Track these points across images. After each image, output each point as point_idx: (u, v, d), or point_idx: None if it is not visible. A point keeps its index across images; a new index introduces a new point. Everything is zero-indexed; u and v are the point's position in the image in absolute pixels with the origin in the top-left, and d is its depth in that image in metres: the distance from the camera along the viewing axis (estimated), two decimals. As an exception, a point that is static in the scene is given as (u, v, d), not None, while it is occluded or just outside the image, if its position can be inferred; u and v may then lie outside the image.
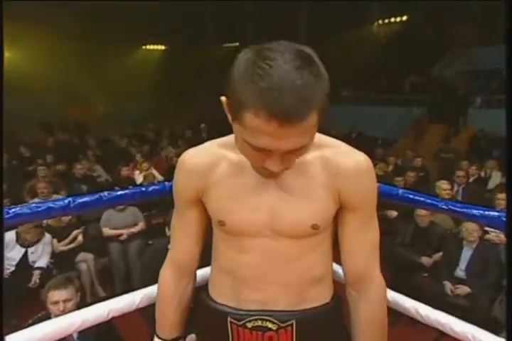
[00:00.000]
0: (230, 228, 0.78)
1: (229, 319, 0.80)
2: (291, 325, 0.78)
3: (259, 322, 0.78)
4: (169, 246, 0.91)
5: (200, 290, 0.91)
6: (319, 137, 0.78)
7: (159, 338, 0.90)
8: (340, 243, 0.83)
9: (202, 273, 1.00)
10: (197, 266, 0.90)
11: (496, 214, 0.82)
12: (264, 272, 0.79)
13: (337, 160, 0.75)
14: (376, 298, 0.82)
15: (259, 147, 0.62)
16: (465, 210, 0.86)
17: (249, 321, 0.79)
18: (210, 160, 0.79)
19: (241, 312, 0.80)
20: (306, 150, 0.67)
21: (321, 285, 0.83)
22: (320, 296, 0.82)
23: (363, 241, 0.81)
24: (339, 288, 0.91)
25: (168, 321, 0.89)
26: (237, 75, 0.60)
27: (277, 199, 0.76)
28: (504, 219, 0.81)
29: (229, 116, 0.66)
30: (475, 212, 0.84)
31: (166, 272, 0.90)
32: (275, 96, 0.56)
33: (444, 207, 0.91)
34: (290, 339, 0.78)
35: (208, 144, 0.83)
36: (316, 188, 0.76)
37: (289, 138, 0.60)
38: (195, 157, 0.81)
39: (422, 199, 0.96)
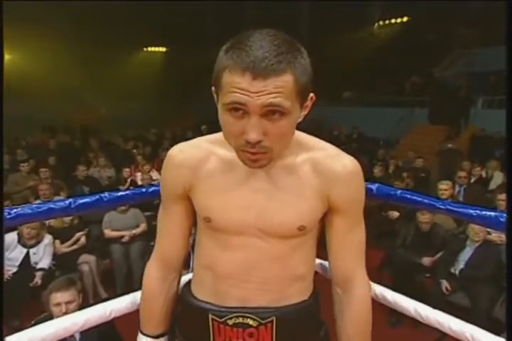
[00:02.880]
0: (216, 225, 0.79)
1: (210, 316, 0.81)
2: (272, 321, 0.80)
3: (240, 319, 0.80)
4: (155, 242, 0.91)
5: (182, 287, 0.92)
6: (309, 139, 0.79)
7: (144, 334, 0.90)
8: (327, 243, 0.85)
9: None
10: (183, 261, 0.91)
11: (492, 214, 0.82)
12: (246, 270, 0.80)
13: (327, 163, 0.76)
14: (361, 298, 0.84)
15: (236, 102, 0.63)
16: (462, 210, 0.87)
17: (230, 318, 0.80)
18: (199, 155, 0.79)
19: (222, 310, 0.81)
20: (287, 130, 0.67)
21: (302, 283, 0.85)
22: (300, 293, 0.84)
23: (350, 242, 0.82)
24: (321, 284, 0.93)
25: (154, 317, 0.89)
26: (219, 54, 0.66)
27: (266, 198, 0.76)
28: (501, 219, 0.82)
29: (216, 102, 0.69)
30: (472, 212, 0.85)
31: (151, 268, 0.90)
32: (247, 51, 0.61)
33: (441, 207, 0.91)
34: (270, 336, 0.80)
35: (197, 139, 0.84)
36: (305, 190, 0.76)
37: (261, 92, 0.61)
38: (184, 151, 0.81)
39: (419, 199, 0.97)
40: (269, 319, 0.80)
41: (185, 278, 0.95)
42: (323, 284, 0.95)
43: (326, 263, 1.06)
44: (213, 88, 0.68)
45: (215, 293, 0.83)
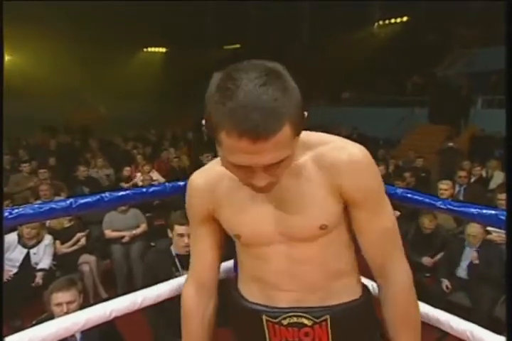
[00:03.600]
0: (246, 240, 0.82)
1: (264, 317, 0.82)
2: (326, 320, 0.80)
3: (295, 319, 0.81)
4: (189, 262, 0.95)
5: (231, 289, 0.93)
6: (312, 136, 0.79)
7: None
8: (357, 239, 0.83)
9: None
10: (216, 278, 0.93)
11: (493, 212, 0.82)
12: (286, 276, 0.81)
13: (331, 156, 0.75)
14: (400, 285, 0.81)
15: (239, 164, 0.64)
16: (463, 209, 0.87)
17: (285, 318, 0.81)
18: (213, 178, 0.83)
19: (275, 310, 0.82)
20: (290, 163, 0.68)
21: (346, 279, 0.84)
22: (349, 290, 0.84)
23: (377, 231, 0.79)
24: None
25: (193, 335, 0.92)
26: (208, 98, 0.62)
27: (281, 206, 0.78)
28: (502, 217, 0.82)
29: (208, 134, 0.70)
30: (473, 210, 0.85)
31: (188, 288, 0.93)
32: (241, 114, 0.57)
33: (442, 206, 0.92)
34: (326, 334, 0.81)
35: (210, 164, 0.87)
36: (315, 189, 0.76)
37: (263, 153, 0.60)
38: (201, 177, 0.85)
39: (420, 198, 0.97)
40: (323, 317, 0.80)
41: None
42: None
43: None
44: (204, 123, 0.66)
45: (265, 297, 0.84)
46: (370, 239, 0.80)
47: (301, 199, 0.77)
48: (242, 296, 0.88)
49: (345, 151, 0.74)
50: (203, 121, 0.66)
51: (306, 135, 0.76)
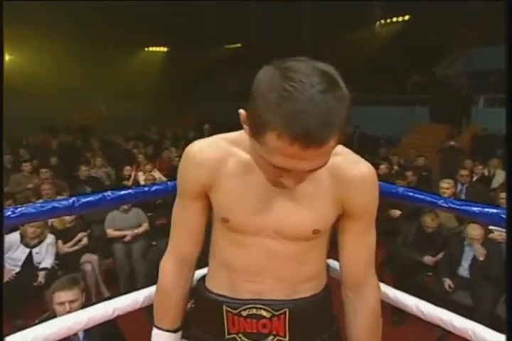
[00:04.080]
0: (233, 226, 0.81)
1: (224, 307, 0.83)
2: (284, 313, 0.82)
3: (254, 311, 0.82)
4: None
5: (197, 281, 0.94)
6: None
7: (160, 329, 0.91)
8: (339, 247, 0.86)
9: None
10: (198, 256, 0.92)
11: (494, 211, 0.82)
12: (260, 267, 0.82)
13: (344, 168, 0.77)
14: (373, 301, 0.86)
15: (281, 167, 0.63)
16: (464, 208, 0.87)
17: (244, 309, 0.82)
18: (218, 155, 0.79)
19: (236, 301, 0.83)
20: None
21: (315, 280, 0.87)
22: (313, 288, 0.86)
23: (362, 247, 0.84)
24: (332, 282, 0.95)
25: (171, 312, 0.91)
26: (260, 94, 0.60)
27: (282, 201, 0.78)
28: (503, 216, 0.82)
29: (246, 130, 0.66)
30: (474, 209, 0.85)
31: (167, 263, 0.91)
32: (300, 119, 0.56)
33: (443, 204, 0.91)
34: (283, 327, 0.82)
35: (216, 138, 0.83)
36: (322, 194, 0.78)
37: (310, 159, 0.61)
38: (204, 151, 0.80)
39: (421, 197, 0.97)
40: (282, 310, 0.82)
41: (198, 273, 0.97)
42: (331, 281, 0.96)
43: (333, 262, 1.08)
44: (248, 131, 0.65)
45: (230, 287, 0.85)
46: (353, 253, 0.84)
47: (304, 201, 0.77)
48: (205, 288, 0.89)
49: (356, 167, 0.78)
50: (242, 112, 0.65)
51: None
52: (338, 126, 0.59)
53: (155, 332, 0.91)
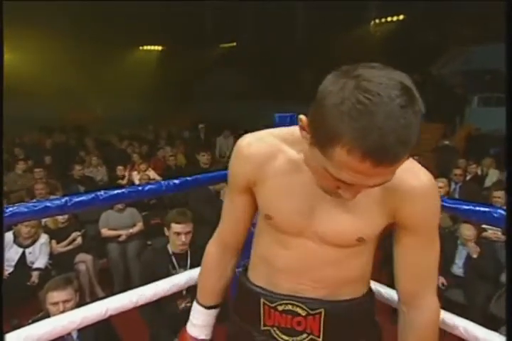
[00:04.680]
0: (275, 224, 0.80)
1: (262, 300, 0.85)
2: (320, 312, 0.81)
3: (290, 307, 0.82)
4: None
5: (240, 271, 0.96)
6: None
7: (199, 304, 0.96)
8: (395, 260, 0.82)
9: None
10: (242, 246, 0.95)
11: (486, 209, 0.83)
12: (300, 268, 0.82)
13: (400, 177, 0.69)
14: (427, 319, 0.81)
15: (346, 182, 0.60)
16: (456, 206, 0.88)
17: (281, 304, 0.83)
18: (267, 151, 0.78)
19: (274, 296, 0.84)
20: None
21: (356, 285, 0.85)
22: (353, 293, 0.85)
23: (420, 263, 0.79)
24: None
25: (208, 290, 0.96)
26: (330, 104, 0.56)
27: (328, 206, 0.75)
28: (495, 215, 0.83)
29: (306, 138, 0.63)
30: (465, 207, 0.85)
31: (211, 246, 0.95)
32: (375, 136, 0.53)
33: (436, 203, 0.92)
34: (317, 326, 0.81)
35: (266, 133, 0.81)
36: (370, 202, 0.74)
37: (377, 176, 0.58)
38: (253, 145, 0.79)
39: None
40: (318, 310, 0.81)
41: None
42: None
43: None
44: (308, 138, 0.62)
45: (269, 281, 0.86)
46: (410, 268, 0.80)
47: (353, 208, 0.74)
48: (247, 278, 0.91)
49: (412, 175, 0.72)
50: (301, 117, 0.62)
51: None
52: (413, 143, 0.55)
53: (194, 304, 0.97)
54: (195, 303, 0.97)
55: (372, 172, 0.56)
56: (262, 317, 0.85)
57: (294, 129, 0.73)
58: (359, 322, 0.85)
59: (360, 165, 0.55)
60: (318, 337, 0.82)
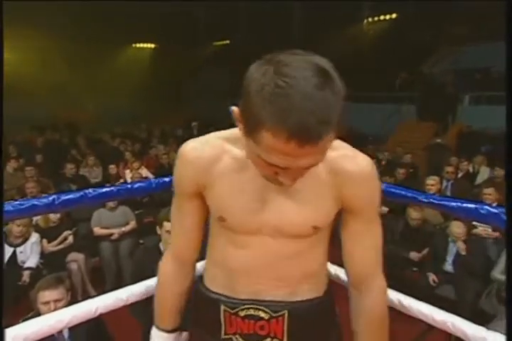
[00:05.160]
0: (230, 224, 0.79)
1: (222, 307, 0.82)
2: (283, 315, 0.80)
3: (252, 311, 0.80)
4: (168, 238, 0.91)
5: (196, 280, 0.93)
6: None
7: (159, 329, 0.90)
8: (343, 244, 0.84)
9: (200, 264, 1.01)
10: (197, 257, 0.91)
11: (473, 206, 0.84)
12: (259, 267, 0.80)
13: (342, 163, 0.75)
14: (378, 299, 0.83)
15: (277, 165, 0.62)
16: (443, 203, 0.88)
17: (242, 310, 0.81)
18: (212, 153, 0.78)
19: (234, 301, 0.82)
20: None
21: (315, 280, 0.85)
22: (313, 290, 0.84)
23: (366, 243, 0.81)
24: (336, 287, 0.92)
25: (168, 312, 0.90)
26: (253, 91, 0.57)
27: (280, 198, 0.76)
28: (481, 211, 0.83)
29: (240, 128, 0.64)
30: (453, 204, 0.86)
31: (166, 264, 0.90)
32: (296, 117, 0.54)
33: (424, 200, 0.93)
34: (281, 329, 0.80)
35: (209, 136, 0.81)
36: (320, 190, 0.76)
37: (306, 156, 0.59)
38: (197, 149, 0.79)
39: (403, 193, 0.98)
40: (281, 312, 0.80)
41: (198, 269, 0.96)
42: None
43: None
44: (241, 128, 0.63)
45: (229, 287, 0.83)
46: (357, 250, 0.81)
47: (304, 197, 0.76)
48: (204, 286, 0.87)
49: (354, 161, 0.76)
50: (233, 109, 0.63)
51: None
52: (334, 122, 0.58)
53: (153, 330, 0.92)
54: (154, 329, 0.91)
55: (299, 153, 0.58)
56: (223, 326, 0.82)
57: (237, 128, 0.73)
58: (321, 322, 0.85)
59: (286, 146, 0.57)
60: (282, 339, 0.80)
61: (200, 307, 0.88)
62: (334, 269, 1.13)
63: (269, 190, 0.75)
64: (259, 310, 0.80)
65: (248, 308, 0.80)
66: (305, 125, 0.55)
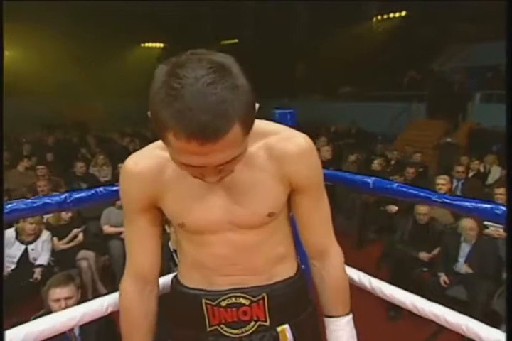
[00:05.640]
0: (190, 228, 0.81)
1: (203, 300, 0.84)
2: (263, 298, 0.84)
3: (233, 299, 0.83)
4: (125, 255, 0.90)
5: (171, 280, 0.94)
6: (262, 125, 0.78)
7: None
8: (296, 221, 0.88)
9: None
10: (158, 272, 0.89)
11: (488, 206, 0.82)
12: (229, 261, 0.83)
13: (279, 146, 0.77)
14: (336, 266, 0.90)
15: (188, 164, 0.63)
16: (458, 203, 0.87)
17: (223, 300, 0.83)
18: (155, 164, 0.78)
19: (214, 293, 0.84)
20: (242, 158, 0.67)
21: (286, 262, 0.89)
22: (286, 270, 0.89)
23: (317, 217, 0.86)
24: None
25: (135, 333, 0.87)
26: (153, 94, 0.59)
27: (231, 194, 0.78)
28: (497, 211, 0.82)
29: (157, 133, 0.64)
30: (467, 204, 0.85)
31: (126, 284, 0.87)
32: (189, 116, 0.55)
33: (437, 200, 0.91)
34: (263, 311, 0.84)
35: (148, 148, 0.82)
36: (266, 177, 0.78)
37: (213, 153, 0.59)
38: (139, 163, 0.79)
39: (415, 192, 0.97)
40: (260, 296, 0.84)
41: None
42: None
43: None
44: (150, 116, 0.62)
45: (207, 282, 0.85)
46: (311, 224, 0.86)
47: (251, 187, 0.78)
48: (181, 284, 0.88)
49: (292, 142, 0.77)
50: (149, 114, 0.62)
51: (256, 124, 0.70)
52: (233, 116, 0.57)
53: None
54: None
55: (204, 151, 0.58)
56: (206, 318, 0.84)
57: None
58: (297, 299, 0.89)
59: (189, 146, 0.57)
60: (265, 321, 0.84)
61: (179, 305, 0.89)
62: (358, 275, 1.13)
63: (217, 188, 0.77)
64: (240, 297, 0.83)
65: (230, 297, 0.83)
66: (199, 123, 0.55)
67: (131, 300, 0.87)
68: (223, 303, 0.83)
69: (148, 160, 0.79)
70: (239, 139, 0.61)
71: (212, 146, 0.58)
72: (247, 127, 0.62)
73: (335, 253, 0.89)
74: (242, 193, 0.78)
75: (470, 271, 2.83)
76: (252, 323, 0.84)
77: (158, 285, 0.91)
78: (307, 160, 0.79)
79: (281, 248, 0.87)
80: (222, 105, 0.56)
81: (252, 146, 0.76)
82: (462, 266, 2.88)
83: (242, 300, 0.83)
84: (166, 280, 1.03)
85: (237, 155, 0.64)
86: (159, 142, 0.79)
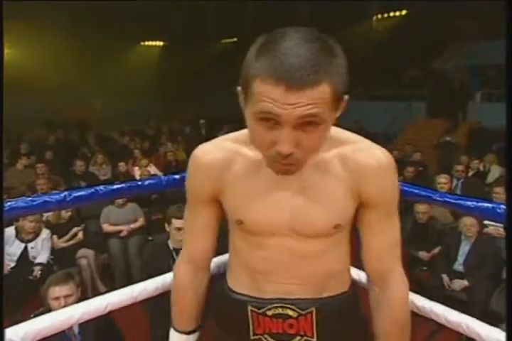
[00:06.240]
0: (248, 227, 0.78)
1: (249, 307, 0.81)
2: (311, 312, 0.79)
3: (280, 310, 0.79)
4: (181, 240, 0.92)
5: (220, 281, 0.92)
6: (339, 133, 0.76)
7: (176, 331, 0.91)
8: (361, 240, 0.82)
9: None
10: (211, 260, 0.91)
11: (490, 205, 0.82)
12: (282, 268, 0.79)
13: (356, 157, 0.73)
14: (397, 297, 0.81)
15: (267, 112, 0.60)
16: (459, 202, 0.87)
17: (270, 309, 0.80)
18: (224, 156, 0.77)
19: (261, 301, 0.81)
20: (320, 137, 0.64)
21: (340, 277, 0.84)
22: (338, 286, 0.84)
23: (384, 238, 0.79)
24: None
25: (185, 313, 0.90)
26: (248, 55, 0.62)
27: (298, 198, 0.74)
28: (498, 210, 0.82)
29: (242, 104, 0.65)
30: (469, 203, 0.84)
31: (180, 266, 0.90)
32: (282, 60, 0.57)
33: (438, 198, 0.91)
34: (310, 326, 0.79)
35: (221, 139, 0.80)
36: (337, 187, 0.74)
37: (296, 104, 0.58)
38: (210, 153, 0.78)
39: (417, 191, 0.97)
40: (309, 310, 0.79)
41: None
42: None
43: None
44: (239, 89, 0.65)
45: (255, 288, 0.82)
46: (377, 245, 0.80)
47: (321, 194, 0.74)
48: (229, 288, 0.86)
49: (369, 154, 0.74)
50: (238, 88, 0.65)
51: (333, 131, 0.71)
52: (324, 73, 0.58)
53: (171, 332, 0.92)
54: (172, 331, 0.91)
55: (288, 98, 0.58)
56: (251, 326, 0.81)
57: (246, 130, 0.72)
58: (349, 317, 0.83)
59: (275, 90, 0.58)
60: (312, 337, 0.79)
61: (224, 309, 0.87)
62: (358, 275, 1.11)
63: (285, 190, 0.74)
64: (287, 308, 0.79)
65: (275, 307, 0.79)
66: (290, 67, 0.56)
67: (184, 284, 0.89)
68: (269, 312, 0.80)
69: (217, 151, 0.78)
70: (325, 101, 0.59)
71: (297, 94, 0.57)
72: (335, 95, 0.60)
73: (399, 281, 0.81)
74: (310, 199, 0.74)
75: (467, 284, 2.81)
76: (298, 338, 0.80)
77: (209, 272, 0.93)
78: (383, 176, 0.74)
79: (340, 263, 0.83)
80: (316, 59, 0.57)
81: (327, 152, 0.73)
82: (460, 266, 2.88)
83: (290, 312, 0.79)
84: (166, 280, 1.03)
85: (319, 121, 0.61)
86: (231, 134, 0.80)
